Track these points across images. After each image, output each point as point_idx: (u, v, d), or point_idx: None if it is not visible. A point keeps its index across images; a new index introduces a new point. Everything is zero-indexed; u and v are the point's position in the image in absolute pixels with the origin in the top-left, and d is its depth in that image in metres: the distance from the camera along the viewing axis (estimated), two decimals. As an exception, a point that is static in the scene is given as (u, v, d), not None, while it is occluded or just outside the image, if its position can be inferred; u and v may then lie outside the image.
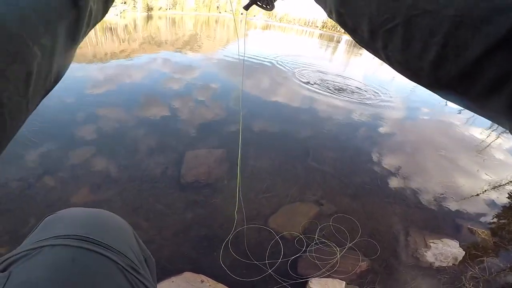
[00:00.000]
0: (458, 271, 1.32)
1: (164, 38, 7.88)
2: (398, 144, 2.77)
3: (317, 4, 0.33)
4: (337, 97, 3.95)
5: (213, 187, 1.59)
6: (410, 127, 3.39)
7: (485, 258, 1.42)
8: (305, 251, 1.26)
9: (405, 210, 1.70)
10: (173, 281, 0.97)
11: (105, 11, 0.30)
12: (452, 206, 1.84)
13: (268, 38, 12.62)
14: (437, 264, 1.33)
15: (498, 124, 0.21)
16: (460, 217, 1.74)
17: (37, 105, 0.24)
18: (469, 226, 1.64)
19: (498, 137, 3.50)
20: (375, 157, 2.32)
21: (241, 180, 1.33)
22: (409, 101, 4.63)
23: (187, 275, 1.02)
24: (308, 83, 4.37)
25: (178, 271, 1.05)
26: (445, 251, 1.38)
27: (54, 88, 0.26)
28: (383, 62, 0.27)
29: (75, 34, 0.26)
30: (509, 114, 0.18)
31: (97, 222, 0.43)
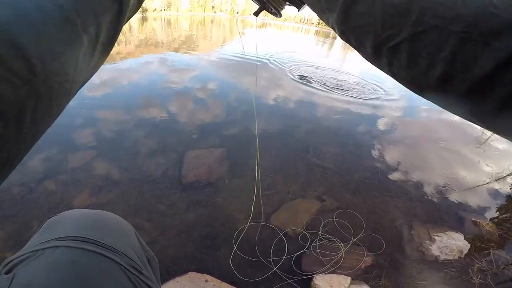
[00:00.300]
0: (465, 264, 1.31)
1: (161, 39, 7.87)
2: (397, 138, 2.76)
3: (321, 19, 0.32)
4: (334, 93, 3.94)
5: (214, 187, 1.58)
6: (409, 120, 3.39)
7: (491, 250, 1.41)
8: (308, 248, 1.25)
9: (408, 204, 1.69)
10: (178, 281, 0.96)
11: (139, 5, 0.30)
12: (455, 198, 1.83)
13: (267, 37, 12.60)
14: (442, 257, 1.32)
15: (509, 140, 0.20)
16: (463, 209, 1.74)
17: (75, 95, 0.24)
18: (473, 218, 1.63)
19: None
20: (375, 151, 2.31)
21: (259, 177, 1.32)
22: (406, 95, 4.62)
23: (191, 275, 1.01)
24: (305, 80, 4.36)
25: (182, 271, 1.05)
26: (450, 244, 1.37)
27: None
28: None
29: (116, 28, 0.26)
30: None
31: (98, 223, 0.42)
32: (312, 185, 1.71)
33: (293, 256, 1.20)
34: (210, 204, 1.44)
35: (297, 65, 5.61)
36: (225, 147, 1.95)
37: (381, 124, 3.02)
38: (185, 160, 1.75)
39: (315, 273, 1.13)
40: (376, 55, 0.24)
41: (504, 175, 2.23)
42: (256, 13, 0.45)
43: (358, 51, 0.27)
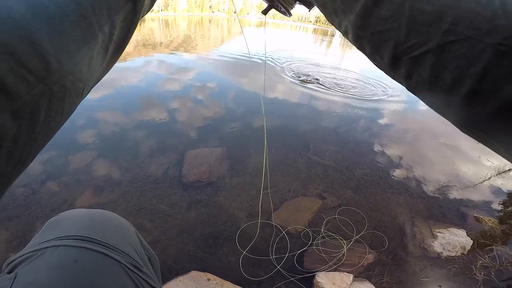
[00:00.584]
0: (468, 261, 1.31)
1: (159, 40, 7.86)
2: (397, 134, 2.75)
3: (330, 23, 0.29)
4: (334, 91, 3.93)
5: (215, 186, 1.58)
6: (409, 116, 3.37)
7: (494, 246, 1.41)
8: (311, 245, 1.25)
9: (409, 200, 1.68)
10: (180, 281, 0.96)
11: (152, 5, 0.30)
12: (456, 194, 1.82)
13: (267, 35, 12.58)
14: (445, 254, 1.32)
15: None
16: (465, 205, 1.73)
17: (87, 94, 0.24)
18: (475, 214, 1.62)
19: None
20: (375, 148, 2.31)
21: (266, 175, 1.32)
22: (405, 91, 4.60)
23: (194, 274, 1.01)
24: (304, 78, 4.35)
25: (184, 271, 1.05)
26: (452, 240, 1.37)
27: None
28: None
29: (129, 28, 0.26)
30: None
31: (99, 222, 0.42)
32: (313, 183, 1.71)
33: (295, 254, 1.20)
34: (211, 203, 1.44)
35: (297, 63, 5.60)
36: (225, 146, 1.95)
37: (381, 121, 3.01)
38: (186, 159, 1.75)
39: (317, 271, 1.13)
40: (394, 65, 0.22)
41: (506, 170, 2.22)
42: (265, 11, 0.44)
43: (370, 59, 0.25)
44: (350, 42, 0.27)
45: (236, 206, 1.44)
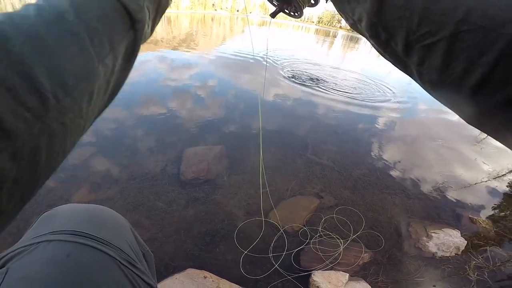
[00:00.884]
0: (462, 261, 1.32)
1: (160, 37, 7.82)
2: (395, 135, 2.76)
3: (340, 12, 0.29)
4: (333, 92, 3.93)
5: (213, 184, 1.58)
6: (407, 118, 3.39)
7: (488, 247, 1.42)
8: (307, 244, 1.26)
9: (406, 201, 1.69)
10: (176, 278, 0.96)
11: (152, 32, 0.30)
12: (452, 195, 1.84)
13: (269, 35, 12.54)
14: (439, 254, 1.33)
15: None
16: (460, 206, 1.74)
17: (89, 128, 0.23)
18: (469, 216, 1.64)
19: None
20: (373, 149, 2.32)
21: (263, 174, 1.31)
22: (405, 92, 4.62)
23: (190, 271, 1.01)
24: (303, 77, 4.35)
25: (181, 268, 1.05)
26: (447, 240, 1.38)
27: None
28: (412, 79, 0.24)
29: (130, 58, 0.25)
30: None
31: (93, 217, 0.42)
32: (311, 182, 1.72)
33: (292, 252, 1.21)
34: (209, 201, 1.44)
35: (298, 63, 5.60)
36: (224, 144, 1.95)
37: (379, 122, 3.02)
38: (184, 157, 1.75)
39: (313, 269, 1.13)
40: (407, 52, 0.22)
41: (501, 173, 2.24)
42: (273, 14, 0.43)
43: (382, 47, 0.25)
44: (361, 30, 0.26)
45: (234, 204, 1.45)
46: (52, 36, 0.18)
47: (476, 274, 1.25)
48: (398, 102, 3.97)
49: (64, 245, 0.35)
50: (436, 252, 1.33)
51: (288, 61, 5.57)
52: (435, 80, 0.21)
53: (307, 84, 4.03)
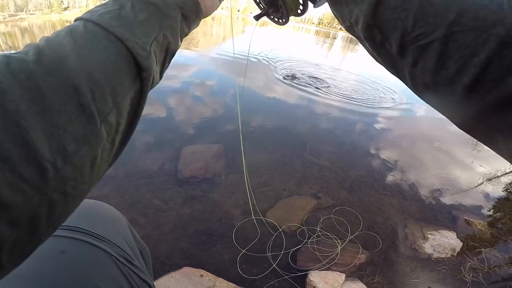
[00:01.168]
0: (457, 262, 1.33)
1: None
2: (392, 137, 2.78)
3: (336, 15, 0.29)
4: (331, 94, 3.94)
5: (210, 182, 1.57)
6: (404, 120, 3.41)
7: (483, 249, 1.43)
8: (305, 244, 1.26)
9: (402, 202, 1.70)
10: (172, 276, 0.96)
11: (160, 78, 0.27)
12: (448, 197, 1.85)
13: (268, 36, 12.55)
14: (435, 255, 1.34)
15: None
16: (456, 208, 1.76)
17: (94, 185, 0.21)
18: (465, 218, 1.65)
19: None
20: (371, 150, 2.33)
21: (247, 174, 1.31)
22: (403, 94, 4.65)
23: (186, 270, 1.00)
24: (300, 77, 4.36)
25: (177, 267, 1.04)
26: (442, 242, 1.39)
27: None
28: (405, 83, 0.24)
29: (136, 111, 0.23)
30: None
31: (90, 212, 0.42)
32: (308, 182, 1.72)
33: (289, 252, 1.21)
34: (206, 200, 1.43)
35: (296, 64, 5.61)
36: (222, 143, 1.94)
37: (377, 123, 3.04)
38: (182, 155, 1.74)
39: (309, 269, 1.13)
40: (401, 53, 0.22)
41: (497, 176, 2.26)
42: (257, 17, 0.42)
43: (377, 49, 0.25)
44: (357, 32, 0.26)
45: (231, 203, 1.44)
46: (52, 91, 0.16)
47: (471, 275, 1.26)
48: (396, 103, 3.99)
49: (59, 241, 0.34)
50: (432, 254, 1.34)
51: (284, 62, 5.58)
52: (428, 81, 0.21)
53: (303, 84, 4.04)
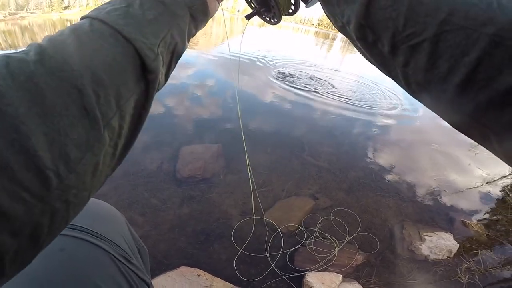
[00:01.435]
0: (453, 264, 1.34)
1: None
2: (391, 139, 2.79)
3: (329, 15, 0.29)
4: (329, 97, 3.95)
5: (209, 182, 1.57)
6: (403, 122, 3.42)
7: (479, 251, 1.44)
8: (303, 244, 1.26)
9: (400, 204, 1.71)
10: (169, 276, 0.96)
11: (166, 80, 0.27)
12: (445, 199, 1.86)
13: (267, 36, 12.57)
14: (432, 257, 1.34)
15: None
16: (453, 210, 1.77)
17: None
18: (462, 219, 1.66)
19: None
20: (369, 152, 2.33)
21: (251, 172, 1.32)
22: (401, 95, 4.67)
23: (183, 269, 1.00)
24: (297, 78, 4.36)
25: (174, 266, 1.04)
26: (439, 244, 1.40)
27: None
28: (396, 83, 0.24)
29: (140, 116, 0.22)
30: None
31: (89, 211, 0.42)
32: (307, 183, 1.72)
33: (287, 253, 1.21)
34: (204, 200, 1.44)
35: (294, 65, 5.62)
36: (221, 143, 1.95)
37: (375, 126, 3.05)
38: (180, 155, 1.74)
39: (306, 270, 1.13)
40: (393, 53, 0.22)
41: (494, 178, 2.27)
42: (248, 17, 0.41)
43: (370, 49, 0.25)
44: (349, 32, 0.26)
45: (229, 203, 1.44)
46: (54, 93, 0.15)
47: (467, 277, 1.26)
48: (395, 104, 4.01)
49: (59, 238, 0.34)
50: (429, 255, 1.35)
51: (282, 62, 5.59)
52: (420, 80, 0.21)
53: (301, 85, 4.05)
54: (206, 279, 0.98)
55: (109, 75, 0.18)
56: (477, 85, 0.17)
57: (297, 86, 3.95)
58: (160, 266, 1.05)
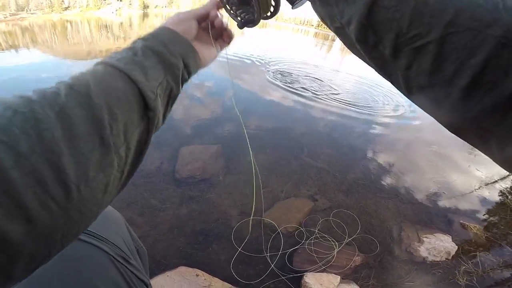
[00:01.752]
0: (452, 266, 1.34)
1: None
2: (390, 140, 2.79)
3: (324, 16, 0.27)
4: (327, 100, 3.96)
5: (208, 182, 1.58)
6: (402, 124, 3.43)
7: (477, 253, 1.44)
8: (302, 245, 1.26)
9: (399, 205, 1.71)
10: (168, 276, 0.96)
11: (164, 120, 0.31)
12: (444, 201, 1.86)
13: (267, 37, 12.60)
14: (430, 258, 1.34)
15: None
16: (452, 212, 1.77)
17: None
18: (461, 221, 1.66)
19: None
20: (368, 154, 2.34)
21: (255, 174, 1.32)
22: (400, 96, 4.67)
23: (182, 269, 1.01)
24: (293, 79, 4.37)
25: (173, 266, 1.04)
26: (438, 245, 1.40)
27: None
28: (395, 87, 0.24)
29: (141, 148, 0.25)
30: None
31: None
32: (306, 184, 1.72)
33: (286, 253, 1.21)
34: (203, 200, 1.44)
35: (292, 66, 5.63)
36: (220, 143, 1.95)
37: (375, 127, 3.05)
38: (180, 155, 1.74)
39: (304, 271, 1.14)
40: (395, 55, 0.21)
41: (493, 181, 2.28)
42: (240, 26, 0.41)
43: (370, 52, 0.24)
44: (348, 34, 0.25)
45: (228, 204, 1.45)
46: (81, 122, 0.18)
47: (465, 279, 1.27)
48: (394, 105, 4.02)
49: None
50: (427, 257, 1.35)
51: (281, 63, 5.60)
52: (424, 84, 0.20)
53: (298, 86, 4.05)
54: (204, 279, 0.98)
55: (121, 110, 0.21)
56: (483, 88, 0.17)
57: (296, 87, 3.95)
58: (159, 266, 1.05)
